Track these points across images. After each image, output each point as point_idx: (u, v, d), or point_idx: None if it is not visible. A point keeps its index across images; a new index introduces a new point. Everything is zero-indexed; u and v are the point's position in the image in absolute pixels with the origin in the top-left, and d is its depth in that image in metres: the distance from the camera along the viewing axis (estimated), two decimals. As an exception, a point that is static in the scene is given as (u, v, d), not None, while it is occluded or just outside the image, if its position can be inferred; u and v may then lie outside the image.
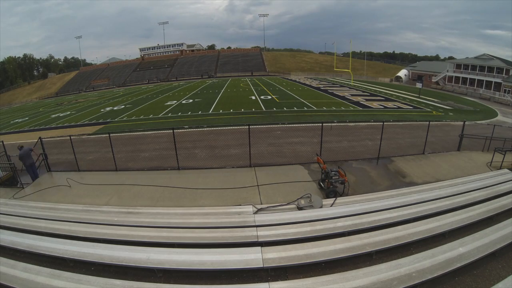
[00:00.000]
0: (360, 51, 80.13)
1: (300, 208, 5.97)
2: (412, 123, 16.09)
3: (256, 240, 4.60)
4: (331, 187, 6.84)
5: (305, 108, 21.14)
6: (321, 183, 7.30)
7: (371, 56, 78.06)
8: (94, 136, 15.48)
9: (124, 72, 76.03)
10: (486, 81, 37.01)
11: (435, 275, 3.61)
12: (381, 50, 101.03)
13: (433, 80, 44.75)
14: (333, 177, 6.88)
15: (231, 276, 4.06)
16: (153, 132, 15.52)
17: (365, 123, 15.92)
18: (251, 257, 4.07)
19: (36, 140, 9.68)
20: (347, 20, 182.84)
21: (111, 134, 10.03)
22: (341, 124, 15.26)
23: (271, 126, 15.02)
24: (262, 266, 3.94)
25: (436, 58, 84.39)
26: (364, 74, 56.22)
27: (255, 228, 4.92)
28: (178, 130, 14.06)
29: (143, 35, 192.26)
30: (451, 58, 67.01)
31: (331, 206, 5.99)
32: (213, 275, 4.07)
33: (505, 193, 6.18)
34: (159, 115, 21.05)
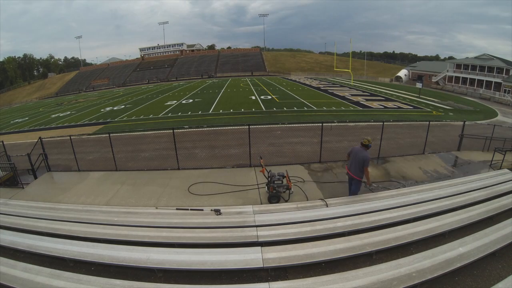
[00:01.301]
0: (360, 51, 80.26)
1: None
2: (412, 123, 16.09)
3: (256, 240, 4.60)
4: (274, 192, 6.61)
5: (305, 108, 21.14)
6: (266, 187, 7.05)
7: (371, 56, 78.09)
8: (94, 136, 15.48)
9: (124, 72, 76.03)
10: (486, 81, 37.02)
11: (435, 275, 3.61)
12: (382, 49, 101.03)
13: (433, 80, 44.76)
14: (276, 182, 6.62)
15: (231, 276, 4.07)
16: (153, 132, 15.53)
17: (365, 123, 15.92)
18: (251, 257, 4.07)
19: (36, 140, 9.68)
20: (353, 10, 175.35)
21: (111, 134, 10.04)
22: (341, 124, 15.25)
23: (271, 126, 15.02)
24: (262, 266, 3.94)
25: (436, 58, 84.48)
26: (364, 74, 56.23)
27: (255, 228, 4.92)
28: (178, 130, 14.06)
29: (117, 33, 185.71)
30: (451, 58, 67.10)
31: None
32: (213, 275, 4.07)
33: (505, 193, 6.17)
34: (159, 115, 21.05)
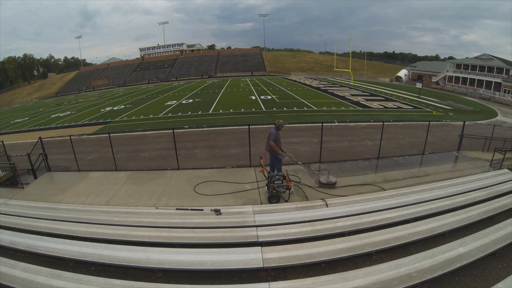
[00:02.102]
0: (360, 51, 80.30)
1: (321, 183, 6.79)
2: (412, 123, 16.10)
3: (256, 240, 4.60)
4: (274, 192, 6.59)
5: (305, 108, 21.14)
6: (266, 187, 7.04)
7: (371, 56, 78.05)
8: (94, 136, 15.48)
9: (124, 72, 76.02)
10: (486, 81, 37.01)
11: (435, 275, 3.61)
12: (383, 49, 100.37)
13: (433, 80, 44.76)
14: (276, 182, 6.60)
15: (231, 276, 4.07)
16: (153, 132, 15.53)
17: (365, 123, 15.92)
18: (251, 257, 4.08)
19: (36, 140, 9.68)
20: (356, 3, 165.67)
21: (111, 134, 10.04)
22: (341, 124, 15.25)
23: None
24: (262, 266, 3.94)
25: (436, 58, 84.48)
26: (364, 74, 56.22)
27: (255, 228, 4.93)
28: (178, 130, 14.05)
29: (96, 33, 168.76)
30: (451, 58, 67.09)
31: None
32: (213, 275, 4.07)
33: (505, 193, 6.18)
34: (159, 115, 21.05)
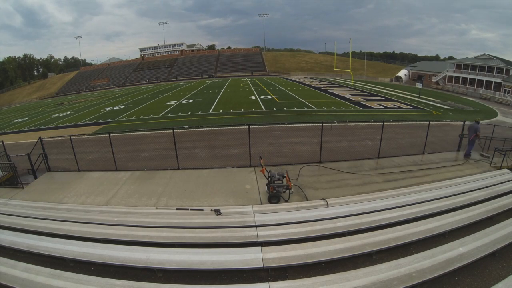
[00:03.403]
0: (360, 51, 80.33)
1: None
2: (412, 123, 16.09)
3: (256, 240, 4.61)
4: (274, 192, 6.60)
5: (305, 108, 21.13)
6: (266, 187, 7.05)
7: (371, 56, 78.08)
8: (94, 136, 15.48)
9: (124, 72, 76.02)
10: (486, 81, 37.00)
11: (435, 275, 3.62)
12: (383, 49, 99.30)
13: (433, 80, 44.75)
14: (276, 182, 6.61)
15: (231, 276, 4.07)
16: (153, 132, 15.52)
17: (365, 123, 15.91)
18: (251, 257, 4.08)
19: (36, 140, 9.68)
20: None
21: (111, 134, 10.04)
22: (341, 124, 15.25)
23: (271, 126, 15.02)
24: (262, 266, 3.95)
25: (436, 58, 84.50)
26: (364, 74, 56.20)
27: (255, 228, 4.93)
28: (178, 130, 14.05)
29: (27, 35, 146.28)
30: (451, 58, 67.10)
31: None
32: (213, 275, 4.07)
33: (505, 193, 6.19)
34: (159, 115, 21.05)
